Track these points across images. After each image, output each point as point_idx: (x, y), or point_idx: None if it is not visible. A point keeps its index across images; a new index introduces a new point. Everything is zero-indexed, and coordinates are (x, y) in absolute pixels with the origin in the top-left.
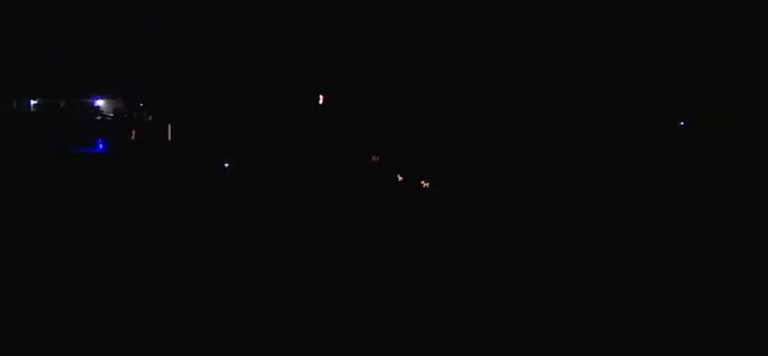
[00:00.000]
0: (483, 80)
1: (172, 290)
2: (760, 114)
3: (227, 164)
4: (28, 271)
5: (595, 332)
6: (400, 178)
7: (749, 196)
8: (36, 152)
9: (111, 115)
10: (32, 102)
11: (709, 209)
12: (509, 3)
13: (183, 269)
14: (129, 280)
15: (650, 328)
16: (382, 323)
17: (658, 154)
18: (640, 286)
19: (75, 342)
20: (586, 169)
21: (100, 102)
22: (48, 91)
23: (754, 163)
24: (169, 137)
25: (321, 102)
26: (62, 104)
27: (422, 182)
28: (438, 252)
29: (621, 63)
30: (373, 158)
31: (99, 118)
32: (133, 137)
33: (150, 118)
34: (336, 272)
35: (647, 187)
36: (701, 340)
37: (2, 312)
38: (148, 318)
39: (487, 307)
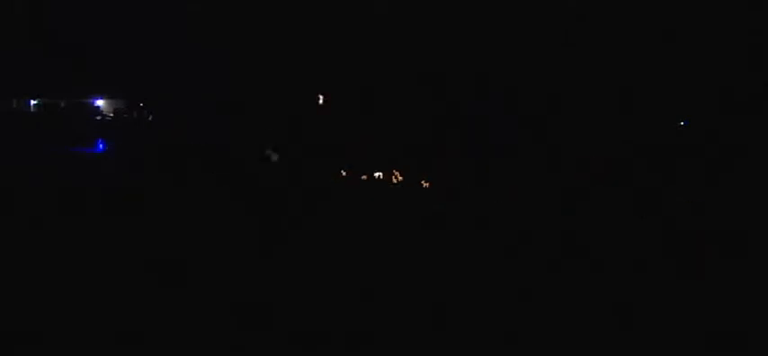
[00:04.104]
0: (483, 80)
1: (171, 290)
2: (760, 114)
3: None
4: (28, 272)
5: (596, 332)
6: (400, 178)
7: (749, 196)
8: (36, 152)
9: (111, 115)
10: (32, 102)
11: (709, 209)
12: (509, 3)
13: (183, 269)
14: (129, 281)
15: (650, 328)
16: (382, 323)
17: (658, 154)
18: (640, 286)
19: (76, 342)
20: (586, 169)
21: (100, 102)
22: (48, 91)
23: (755, 162)
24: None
25: (321, 102)
26: (62, 104)
27: (422, 182)
28: (438, 252)
29: (621, 63)
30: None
31: (99, 118)
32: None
33: (150, 118)
34: (336, 272)
35: (646, 187)
36: (701, 340)
37: (2, 312)
38: (148, 318)
39: (488, 307)
